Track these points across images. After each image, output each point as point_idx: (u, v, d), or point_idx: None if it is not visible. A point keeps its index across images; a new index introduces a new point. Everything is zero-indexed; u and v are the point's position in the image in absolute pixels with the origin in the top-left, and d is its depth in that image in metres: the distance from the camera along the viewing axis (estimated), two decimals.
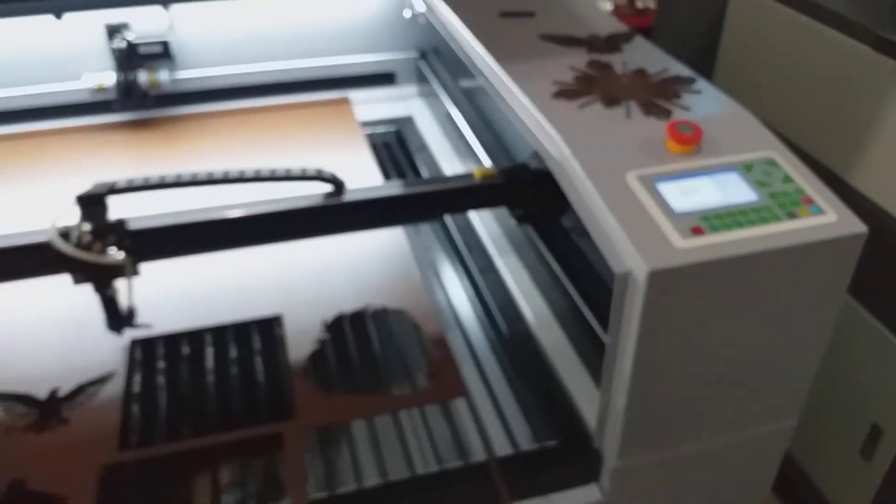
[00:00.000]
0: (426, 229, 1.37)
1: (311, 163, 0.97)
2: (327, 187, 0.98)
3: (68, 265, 0.89)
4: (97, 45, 1.48)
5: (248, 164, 0.94)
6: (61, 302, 1.11)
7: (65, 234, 0.88)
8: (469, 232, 1.32)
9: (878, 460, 1.39)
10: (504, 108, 1.04)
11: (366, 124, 1.57)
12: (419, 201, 1.04)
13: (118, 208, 0.92)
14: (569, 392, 1.01)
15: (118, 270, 0.91)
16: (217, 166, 0.93)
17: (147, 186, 0.92)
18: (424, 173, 1.47)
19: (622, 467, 0.89)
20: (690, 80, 1.02)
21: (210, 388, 1.01)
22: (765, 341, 0.85)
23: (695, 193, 0.81)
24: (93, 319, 0.99)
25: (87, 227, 0.90)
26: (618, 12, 2.65)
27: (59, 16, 1.40)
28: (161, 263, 0.94)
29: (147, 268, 0.93)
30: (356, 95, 1.64)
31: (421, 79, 1.67)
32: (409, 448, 0.95)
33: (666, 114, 0.94)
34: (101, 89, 1.50)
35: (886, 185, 1.29)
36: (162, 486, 0.90)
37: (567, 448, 0.94)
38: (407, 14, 1.54)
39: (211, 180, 0.94)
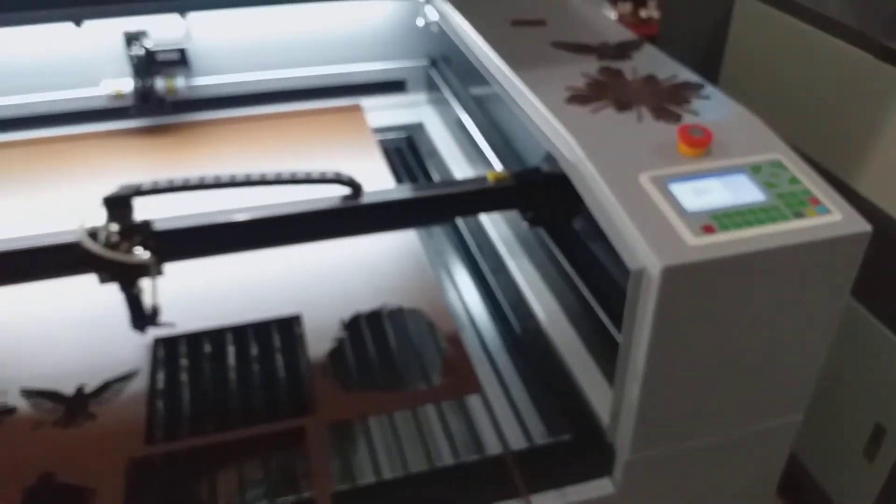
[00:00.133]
0: (438, 232, 1.40)
1: (325, 168, 1.00)
2: (344, 190, 1.01)
3: (96, 264, 0.92)
4: (116, 52, 1.51)
5: (264, 169, 0.97)
6: (85, 302, 1.13)
7: (93, 234, 0.91)
8: (480, 234, 1.34)
9: (881, 459, 1.42)
10: (518, 112, 1.07)
11: (377, 130, 1.61)
12: (435, 203, 1.07)
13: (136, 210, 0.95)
14: (581, 388, 1.03)
15: (143, 270, 0.93)
16: (232, 171, 0.96)
17: (172, 188, 0.95)
18: (436, 178, 1.50)
19: (635, 460, 0.92)
20: (699, 86, 1.05)
21: (232, 384, 1.04)
22: (773, 336, 0.88)
23: (705, 194, 0.84)
24: (116, 319, 1.01)
25: (114, 227, 0.92)
26: (622, 22, 2.68)
27: (78, 23, 1.43)
28: (183, 264, 0.97)
29: (169, 268, 0.96)
30: (367, 102, 1.67)
31: (430, 86, 1.70)
32: (427, 442, 0.97)
33: (676, 118, 0.97)
34: (119, 95, 1.53)
35: (888, 188, 1.32)
36: (188, 478, 0.92)
37: (581, 441, 0.96)
38: (420, 23, 1.57)
39: (233, 183, 0.97)
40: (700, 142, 0.89)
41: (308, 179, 0.99)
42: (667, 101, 1.01)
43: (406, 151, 1.63)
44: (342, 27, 1.63)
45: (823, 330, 0.90)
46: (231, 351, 1.09)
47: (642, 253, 0.79)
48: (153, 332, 1.06)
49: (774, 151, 0.92)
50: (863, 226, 0.82)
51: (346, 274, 1.22)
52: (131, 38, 1.50)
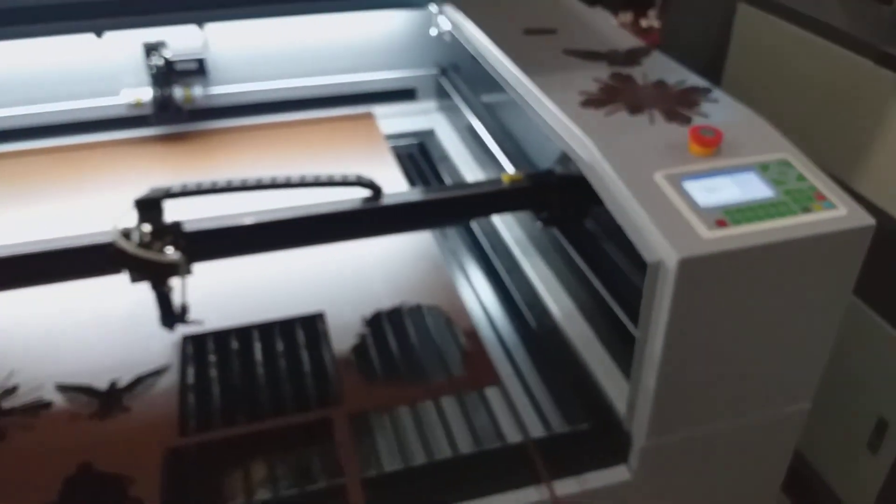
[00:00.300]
0: (453, 234, 1.44)
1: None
2: (364, 193, 1.05)
3: (128, 263, 0.95)
4: (135, 62, 1.55)
5: (282, 175, 1.00)
6: (115, 301, 1.17)
7: (126, 234, 0.95)
8: (494, 235, 1.39)
9: (884, 453, 1.45)
10: (534, 117, 1.12)
11: (389, 137, 1.65)
12: (453, 205, 1.12)
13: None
14: (596, 380, 1.07)
15: (174, 269, 0.97)
16: (249, 177, 1.00)
17: (200, 191, 0.99)
18: (448, 182, 1.55)
19: (650, 447, 0.96)
20: (707, 90, 1.09)
21: (260, 379, 1.07)
22: (783, 326, 0.92)
23: (717, 190, 0.89)
24: (146, 317, 1.04)
25: (147, 228, 0.96)
26: None
27: (99, 34, 1.47)
28: (210, 264, 1.00)
29: (197, 268, 0.99)
30: (379, 110, 1.72)
31: (440, 94, 1.75)
32: (450, 431, 1.01)
33: (687, 120, 1.01)
34: (138, 104, 1.57)
35: (888, 189, 1.37)
36: (222, 466, 0.96)
37: (598, 430, 1.00)
38: (433, 32, 1.62)
39: (259, 185, 1.01)
40: (711, 142, 0.93)
41: (331, 182, 1.03)
42: (677, 105, 1.05)
43: (418, 157, 1.68)
44: (354, 38, 1.68)
45: (830, 319, 0.94)
46: (258, 347, 1.12)
47: (659, 246, 0.83)
48: (182, 330, 1.09)
49: (782, 151, 0.96)
50: (867, 220, 0.87)
51: (366, 274, 1.26)
52: (150, 49, 1.55)
